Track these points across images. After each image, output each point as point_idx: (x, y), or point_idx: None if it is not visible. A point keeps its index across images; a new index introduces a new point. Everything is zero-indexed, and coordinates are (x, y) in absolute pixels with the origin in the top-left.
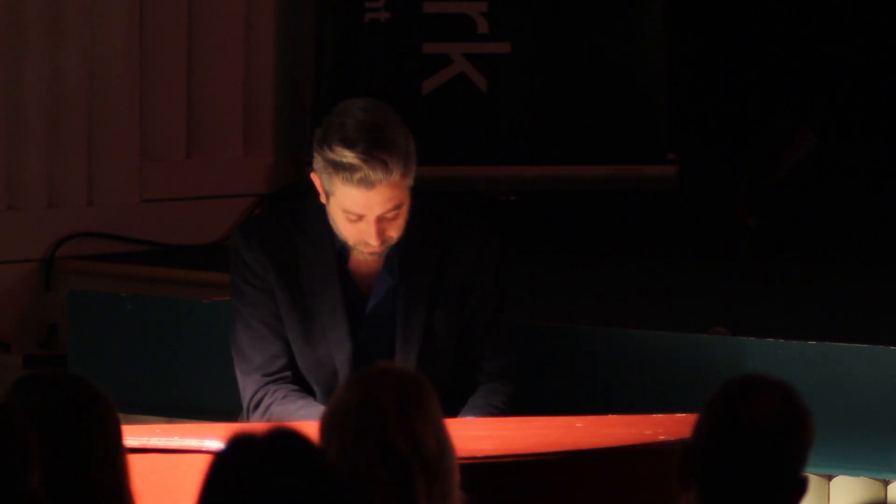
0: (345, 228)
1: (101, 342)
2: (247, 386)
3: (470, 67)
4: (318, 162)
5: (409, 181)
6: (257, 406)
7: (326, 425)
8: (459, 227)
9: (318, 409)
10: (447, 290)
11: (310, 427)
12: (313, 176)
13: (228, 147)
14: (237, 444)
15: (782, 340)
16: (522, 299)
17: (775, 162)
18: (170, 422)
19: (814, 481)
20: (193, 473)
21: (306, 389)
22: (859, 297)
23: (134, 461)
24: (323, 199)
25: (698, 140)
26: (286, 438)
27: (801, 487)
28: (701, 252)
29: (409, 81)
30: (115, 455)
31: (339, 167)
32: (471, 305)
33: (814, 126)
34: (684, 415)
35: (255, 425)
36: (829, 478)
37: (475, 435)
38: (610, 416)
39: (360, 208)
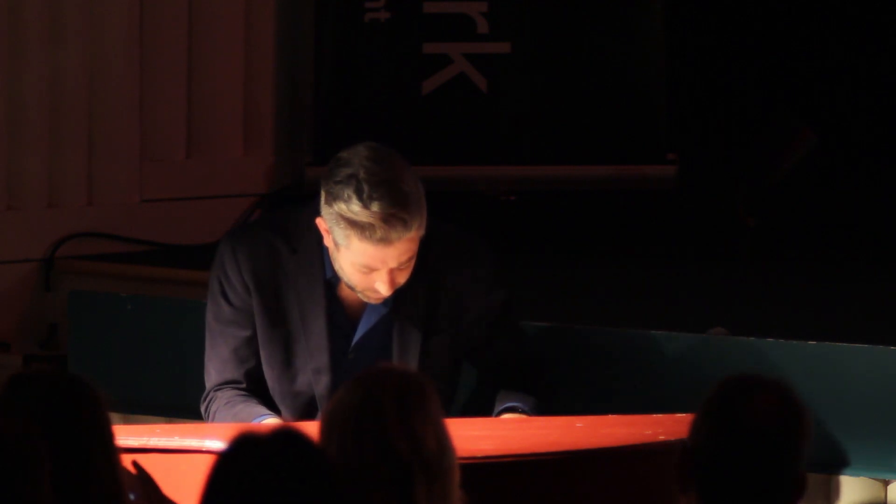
0: (354, 277)
1: (101, 342)
2: (202, 402)
3: (470, 67)
4: (329, 215)
5: (423, 231)
6: (207, 416)
7: (326, 425)
8: (449, 247)
9: (256, 409)
10: (440, 315)
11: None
12: (319, 221)
13: (228, 147)
14: (241, 445)
15: (782, 340)
16: (523, 299)
17: (775, 162)
18: (170, 422)
19: (814, 481)
20: (193, 473)
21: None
22: (859, 297)
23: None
24: (328, 243)
25: (698, 140)
26: (289, 439)
27: (800, 486)
28: (701, 252)
29: (409, 81)
30: (111, 454)
31: (355, 226)
32: (464, 328)
33: (814, 126)
34: (684, 415)
35: (259, 425)
36: (829, 478)
37: (475, 435)
38: (610, 416)
39: (376, 263)
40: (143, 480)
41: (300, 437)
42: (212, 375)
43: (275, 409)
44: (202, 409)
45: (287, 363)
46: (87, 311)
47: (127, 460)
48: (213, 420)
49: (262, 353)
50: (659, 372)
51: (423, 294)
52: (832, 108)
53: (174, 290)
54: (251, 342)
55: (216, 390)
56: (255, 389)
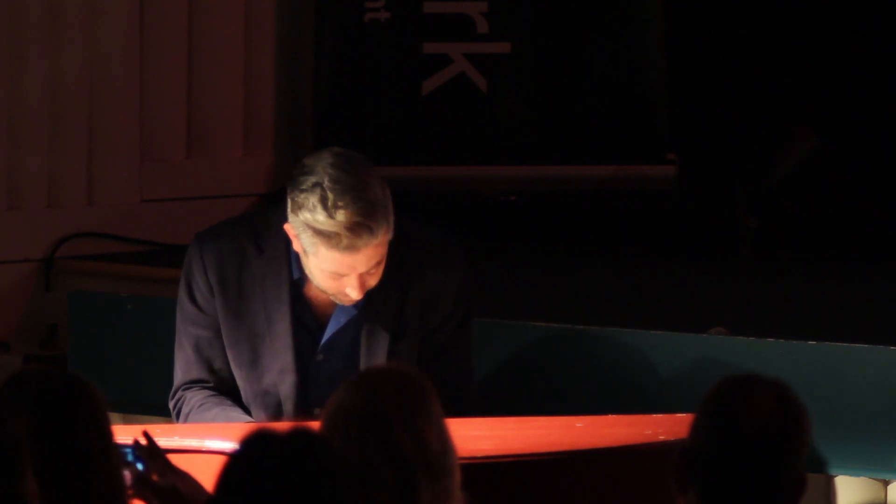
0: (324, 282)
1: (101, 342)
2: (170, 399)
3: (470, 67)
4: (296, 223)
5: (391, 234)
6: (178, 416)
7: (328, 427)
8: (424, 249)
9: (233, 412)
10: (409, 317)
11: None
12: (287, 227)
13: (228, 147)
14: (256, 444)
15: (782, 340)
16: (523, 299)
17: (775, 162)
18: (170, 422)
19: (814, 481)
20: (193, 473)
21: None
22: (859, 297)
23: None
24: (296, 248)
25: (698, 140)
26: (306, 439)
27: (799, 485)
28: (701, 252)
29: (409, 81)
30: (110, 453)
31: (321, 235)
32: (428, 328)
33: (814, 126)
34: (684, 415)
35: (274, 424)
36: (829, 478)
37: (475, 435)
38: (610, 416)
39: (345, 269)
40: (153, 453)
41: (316, 437)
42: (178, 373)
43: (244, 408)
44: (170, 405)
45: (253, 363)
46: (87, 311)
47: (137, 431)
48: (185, 422)
49: (229, 353)
50: (659, 372)
51: (394, 296)
52: (832, 108)
53: (174, 290)
54: (214, 343)
55: (184, 389)
56: (223, 388)
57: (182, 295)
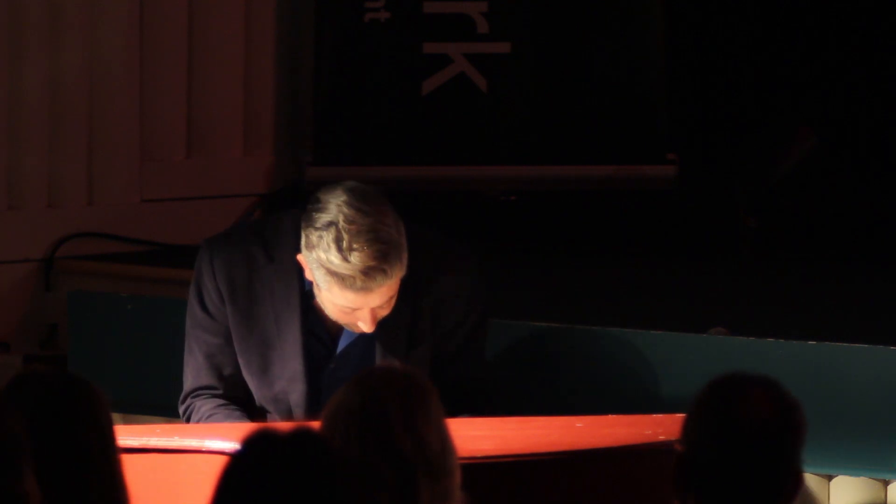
0: (336, 315)
1: (101, 342)
2: (180, 405)
3: (470, 67)
4: (310, 259)
5: (404, 271)
6: (187, 423)
7: (328, 427)
8: (435, 255)
9: (241, 416)
10: (422, 325)
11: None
12: (301, 259)
13: (228, 147)
14: (257, 444)
15: (782, 340)
16: (523, 299)
17: (775, 162)
18: (170, 422)
19: (814, 481)
20: (193, 473)
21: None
22: (859, 297)
23: (134, 461)
24: (309, 277)
25: (698, 140)
26: (307, 439)
27: (795, 482)
28: (701, 252)
29: (409, 81)
30: (111, 453)
31: (335, 276)
32: (441, 333)
33: (814, 126)
34: (684, 415)
35: (274, 425)
36: (829, 478)
37: (475, 435)
38: (610, 416)
39: (358, 305)
40: None
41: (317, 437)
42: (188, 379)
43: (254, 412)
44: (180, 410)
45: (264, 370)
46: (87, 311)
47: (137, 432)
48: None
49: (240, 360)
50: (659, 372)
51: (407, 304)
52: (832, 108)
53: (174, 290)
54: (224, 349)
55: (194, 396)
56: (232, 394)
57: (192, 301)
